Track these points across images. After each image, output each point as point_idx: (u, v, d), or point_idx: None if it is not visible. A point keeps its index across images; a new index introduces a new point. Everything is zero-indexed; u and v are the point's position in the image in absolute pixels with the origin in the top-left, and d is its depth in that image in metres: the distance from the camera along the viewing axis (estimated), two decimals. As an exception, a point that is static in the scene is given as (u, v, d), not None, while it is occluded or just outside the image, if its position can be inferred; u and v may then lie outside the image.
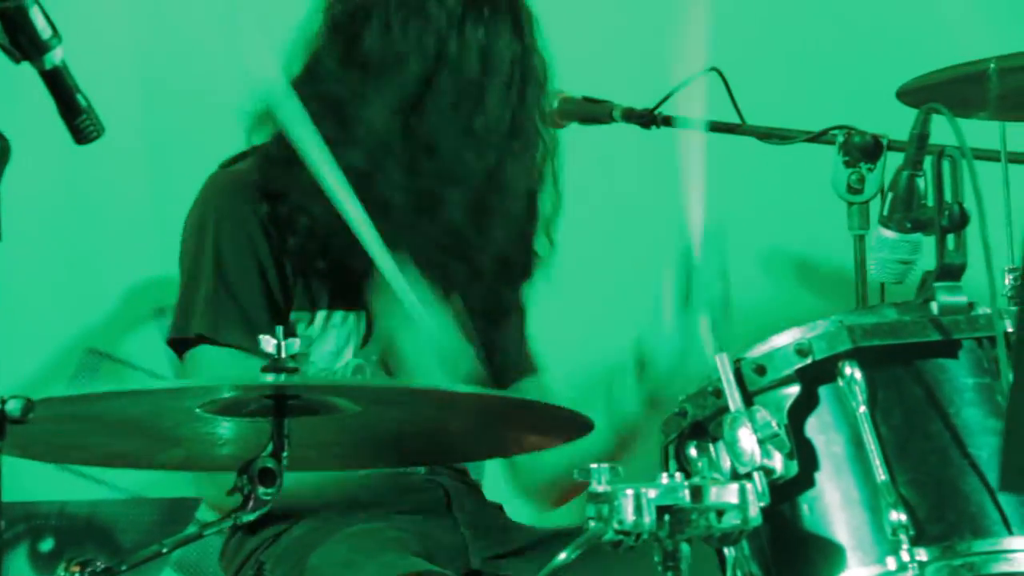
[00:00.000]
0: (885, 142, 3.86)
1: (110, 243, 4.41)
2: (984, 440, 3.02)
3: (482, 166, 3.72)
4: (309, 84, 3.72)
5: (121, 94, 4.59)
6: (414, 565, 3.50)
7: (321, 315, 3.74)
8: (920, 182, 3.20)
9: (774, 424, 2.99)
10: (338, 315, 3.75)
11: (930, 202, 3.15)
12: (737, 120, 4.00)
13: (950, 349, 3.07)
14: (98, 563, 2.78)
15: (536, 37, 3.79)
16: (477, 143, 3.70)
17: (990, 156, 3.72)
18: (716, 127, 3.94)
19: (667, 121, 4.02)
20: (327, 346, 3.75)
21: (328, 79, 3.72)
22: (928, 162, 3.16)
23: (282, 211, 3.69)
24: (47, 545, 4.00)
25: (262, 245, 3.69)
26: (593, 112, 4.02)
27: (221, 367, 3.61)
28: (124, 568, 2.81)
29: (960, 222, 3.11)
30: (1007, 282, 3.61)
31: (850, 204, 3.76)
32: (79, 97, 2.92)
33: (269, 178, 3.71)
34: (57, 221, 4.52)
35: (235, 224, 3.71)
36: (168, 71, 4.81)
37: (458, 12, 3.70)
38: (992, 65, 3.47)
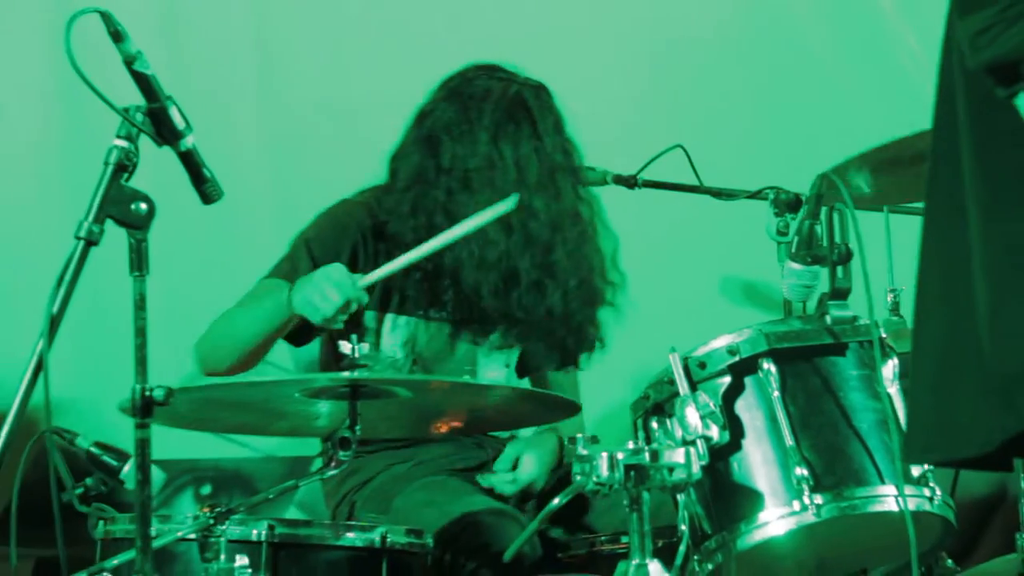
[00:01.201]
0: (803, 198, 3.77)
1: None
2: (864, 416, 3.21)
3: (534, 251, 3.67)
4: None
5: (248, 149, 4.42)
6: (484, 503, 3.55)
7: (389, 317, 3.71)
8: (818, 228, 3.36)
9: (712, 405, 3.18)
10: (402, 319, 3.71)
11: (824, 243, 3.34)
12: (697, 182, 4.03)
13: (840, 350, 3.25)
14: (222, 504, 2.92)
15: (559, 132, 3.74)
16: (524, 233, 3.65)
17: (874, 207, 3.82)
18: (681, 188, 4.08)
19: (647, 184, 4.06)
20: (391, 341, 3.71)
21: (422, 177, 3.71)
22: (824, 213, 3.35)
23: (381, 228, 3.67)
24: (206, 490, 4.09)
25: (349, 245, 3.67)
26: (592, 178, 3.97)
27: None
28: (241, 507, 2.95)
29: (846, 258, 3.30)
30: (889, 299, 3.87)
31: (779, 244, 3.77)
32: (205, 170, 3.05)
33: (380, 204, 3.70)
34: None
35: (335, 224, 3.72)
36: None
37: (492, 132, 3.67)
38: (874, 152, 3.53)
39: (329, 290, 3.37)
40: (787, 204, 3.88)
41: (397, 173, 3.72)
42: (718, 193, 4.04)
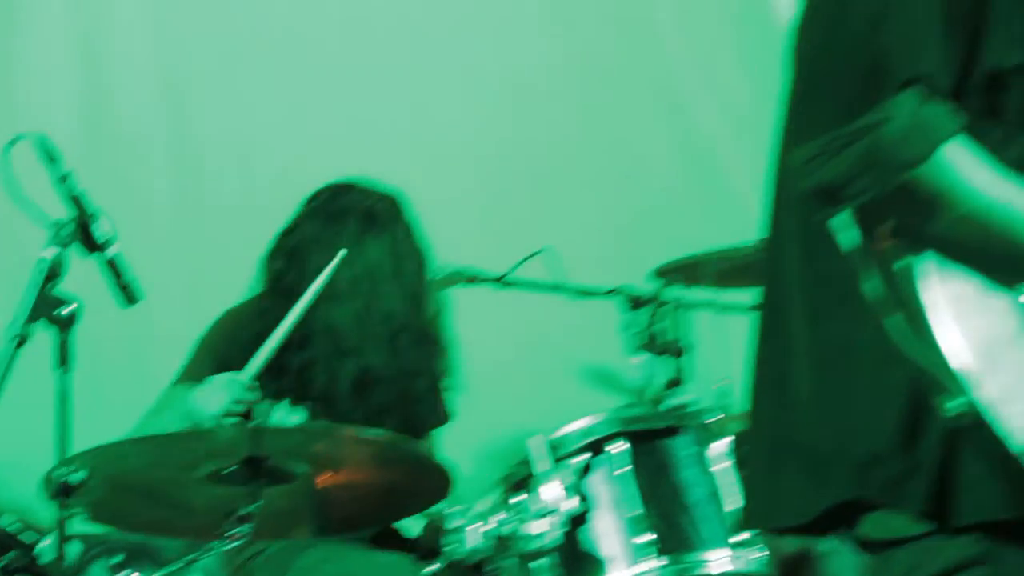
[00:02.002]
0: (650, 297, 3.87)
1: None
2: (698, 490, 3.25)
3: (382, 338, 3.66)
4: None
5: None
6: (386, 556, 3.51)
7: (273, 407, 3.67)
8: (661, 325, 3.47)
9: (571, 478, 3.19)
10: (281, 408, 3.67)
11: (667, 338, 3.45)
12: (559, 281, 4.02)
13: (677, 431, 3.28)
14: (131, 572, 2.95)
15: (411, 241, 3.73)
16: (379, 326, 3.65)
17: (712, 307, 3.85)
18: (545, 286, 4.07)
19: (514, 283, 4.06)
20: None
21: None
22: (667, 311, 3.48)
23: (265, 333, 3.57)
24: (117, 559, 3.79)
25: (240, 351, 3.57)
26: (467, 276, 3.99)
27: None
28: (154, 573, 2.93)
29: (684, 351, 3.42)
30: (720, 388, 3.91)
31: (628, 337, 3.77)
32: (126, 276, 3.13)
33: (260, 311, 3.68)
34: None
35: (226, 333, 3.71)
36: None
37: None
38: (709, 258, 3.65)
39: (218, 395, 3.40)
40: (635, 301, 3.90)
41: (267, 281, 3.75)
42: (578, 291, 4.07)
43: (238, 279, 3.79)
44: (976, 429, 2.15)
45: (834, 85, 2.18)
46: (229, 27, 4.51)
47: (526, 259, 3.98)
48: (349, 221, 3.69)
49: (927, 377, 2.17)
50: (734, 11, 4.82)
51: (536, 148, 4.65)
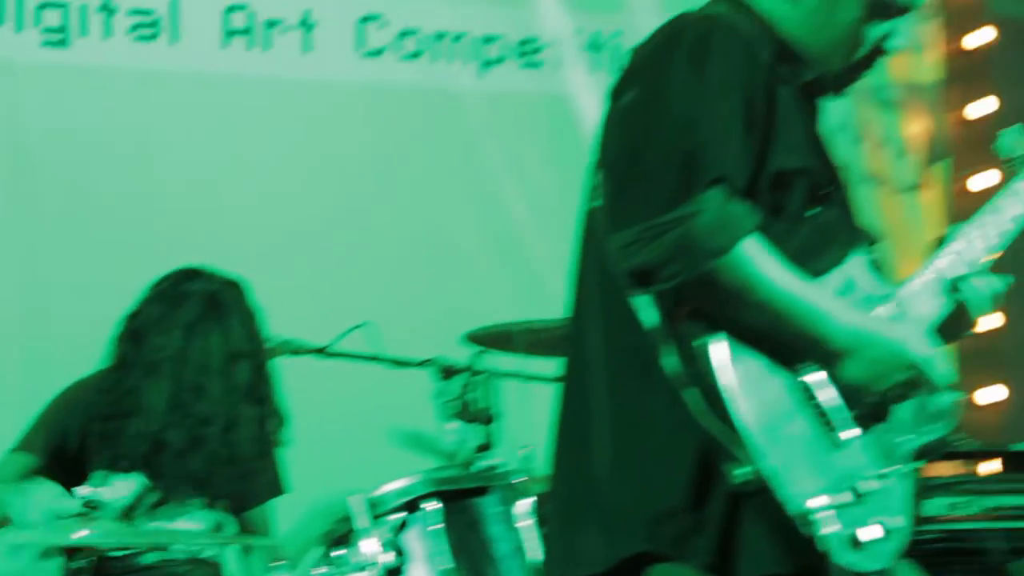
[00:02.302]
0: (460, 367, 3.88)
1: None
2: (503, 544, 3.32)
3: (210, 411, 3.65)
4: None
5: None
6: None
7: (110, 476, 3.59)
8: (472, 394, 3.54)
9: (388, 534, 3.23)
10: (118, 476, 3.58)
11: (477, 406, 3.53)
12: (378, 352, 4.03)
13: (485, 491, 3.36)
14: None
15: (248, 323, 3.74)
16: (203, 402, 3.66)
17: (519, 377, 3.96)
18: (364, 357, 4.08)
19: (336, 354, 4.06)
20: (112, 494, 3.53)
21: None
22: (478, 381, 3.55)
23: (103, 408, 3.65)
24: None
25: (78, 424, 3.62)
26: (290, 348, 3.98)
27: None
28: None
29: (492, 419, 3.51)
30: (522, 453, 3.97)
31: (441, 404, 3.77)
32: None
33: (101, 388, 3.68)
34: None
35: (66, 405, 3.68)
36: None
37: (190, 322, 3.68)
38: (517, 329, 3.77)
39: (33, 511, 3.37)
40: (446, 371, 3.95)
41: (112, 359, 3.74)
42: (394, 362, 4.11)
43: (81, 354, 3.78)
44: (759, 493, 2.28)
45: (648, 180, 2.28)
46: (75, 107, 4.54)
47: (347, 332, 4.03)
48: (191, 305, 3.70)
49: (717, 445, 2.29)
50: (539, 112, 4.98)
51: (358, 229, 4.74)
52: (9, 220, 4.41)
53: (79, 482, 3.46)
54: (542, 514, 3.29)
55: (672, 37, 2.37)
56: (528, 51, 5.01)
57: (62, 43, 4.51)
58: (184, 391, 3.63)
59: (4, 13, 4.46)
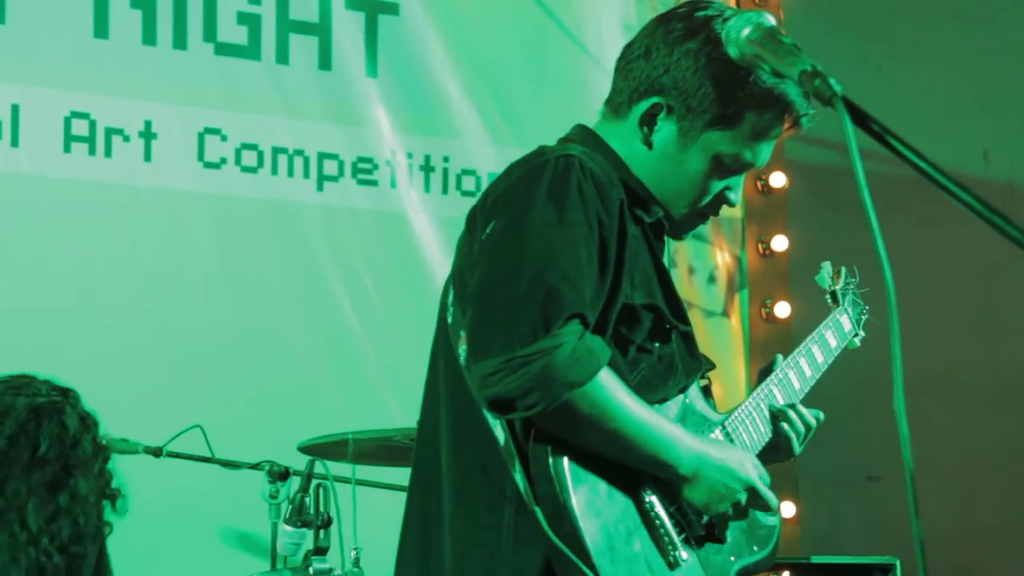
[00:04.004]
0: (292, 471, 3.91)
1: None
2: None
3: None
4: None
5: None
6: None
7: None
8: (307, 499, 3.50)
9: None
10: None
11: (311, 510, 3.45)
12: (210, 454, 3.97)
13: None
14: None
15: (85, 431, 3.51)
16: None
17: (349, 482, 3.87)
18: (197, 458, 4.00)
19: (171, 454, 4.01)
20: None
21: None
22: (312, 487, 3.47)
23: None
24: None
25: None
26: (126, 447, 3.90)
27: None
28: None
29: (327, 523, 3.46)
30: (352, 555, 3.91)
31: (270, 505, 3.82)
32: None
33: None
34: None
35: None
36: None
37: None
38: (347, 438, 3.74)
39: None
40: (278, 475, 3.92)
41: None
42: (225, 463, 4.04)
43: None
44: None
45: (508, 313, 2.28)
46: None
47: (180, 433, 3.96)
48: (14, 416, 3.45)
49: (562, 561, 2.29)
50: (372, 232, 4.97)
51: (197, 337, 4.65)
52: None
53: None
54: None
55: (532, 173, 2.39)
56: (364, 169, 5.02)
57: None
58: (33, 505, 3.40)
59: None
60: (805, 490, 5.25)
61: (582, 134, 2.53)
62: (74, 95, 4.58)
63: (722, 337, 5.34)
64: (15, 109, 4.52)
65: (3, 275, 4.45)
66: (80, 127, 4.61)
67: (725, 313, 5.38)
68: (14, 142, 4.51)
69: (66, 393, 3.57)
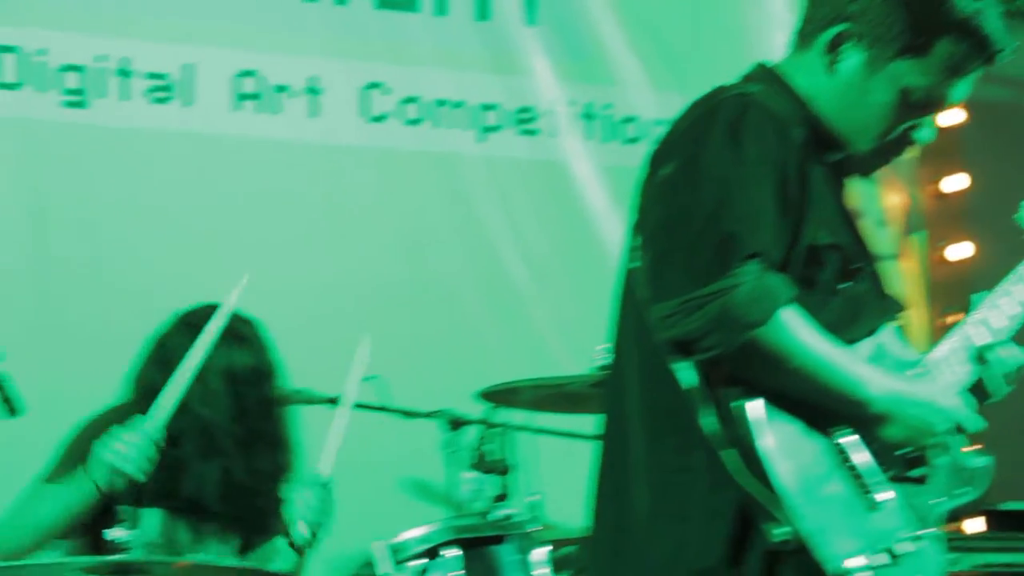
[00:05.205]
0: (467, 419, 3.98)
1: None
2: (520, 590, 3.36)
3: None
4: None
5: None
6: None
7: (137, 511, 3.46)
8: (487, 446, 3.55)
9: None
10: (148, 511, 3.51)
11: (492, 457, 3.53)
12: (386, 403, 4.03)
13: (502, 539, 3.38)
14: None
15: (263, 357, 3.65)
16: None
17: (528, 430, 3.93)
18: (374, 408, 4.03)
19: (333, 401, 3.92)
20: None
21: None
22: (493, 433, 3.53)
23: None
24: None
25: None
26: (304, 397, 3.95)
27: None
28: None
29: (508, 469, 3.50)
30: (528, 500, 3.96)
31: (448, 454, 3.87)
32: (12, 392, 3.11)
33: (121, 420, 3.48)
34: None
35: (86, 438, 3.48)
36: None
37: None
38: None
39: (127, 437, 3.24)
40: (456, 423, 3.98)
41: (134, 390, 3.64)
42: (404, 413, 4.09)
43: (98, 393, 3.71)
44: (796, 553, 2.27)
45: (686, 254, 2.29)
46: (92, 164, 4.52)
47: (359, 383, 3.91)
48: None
49: (755, 505, 2.29)
50: (536, 176, 5.00)
51: (366, 286, 4.74)
52: (27, 273, 4.38)
53: (103, 516, 3.36)
54: (559, 560, 3.31)
55: (709, 114, 2.38)
56: (525, 119, 5.04)
57: (81, 104, 4.50)
58: (223, 419, 3.55)
59: (27, 74, 4.43)
60: (991, 435, 5.13)
61: (761, 72, 2.51)
62: (241, 53, 4.70)
63: (896, 280, 5.26)
64: (188, 69, 4.63)
65: (178, 230, 4.57)
66: (248, 85, 4.72)
67: (897, 256, 5.30)
68: (187, 101, 4.63)
69: (253, 322, 3.67)
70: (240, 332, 3.64)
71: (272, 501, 3.67)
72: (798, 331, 2.29)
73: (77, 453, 3.54)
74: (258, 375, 3.62)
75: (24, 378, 3.24)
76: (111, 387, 3.69)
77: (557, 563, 3.32)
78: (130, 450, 3.24)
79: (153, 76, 4.60)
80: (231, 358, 3.56)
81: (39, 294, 4.38)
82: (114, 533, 3.04)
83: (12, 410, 3.11)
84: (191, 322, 3.64)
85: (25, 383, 3.25)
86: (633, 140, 5.07)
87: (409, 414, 4.06)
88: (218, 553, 3.62)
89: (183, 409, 3.39)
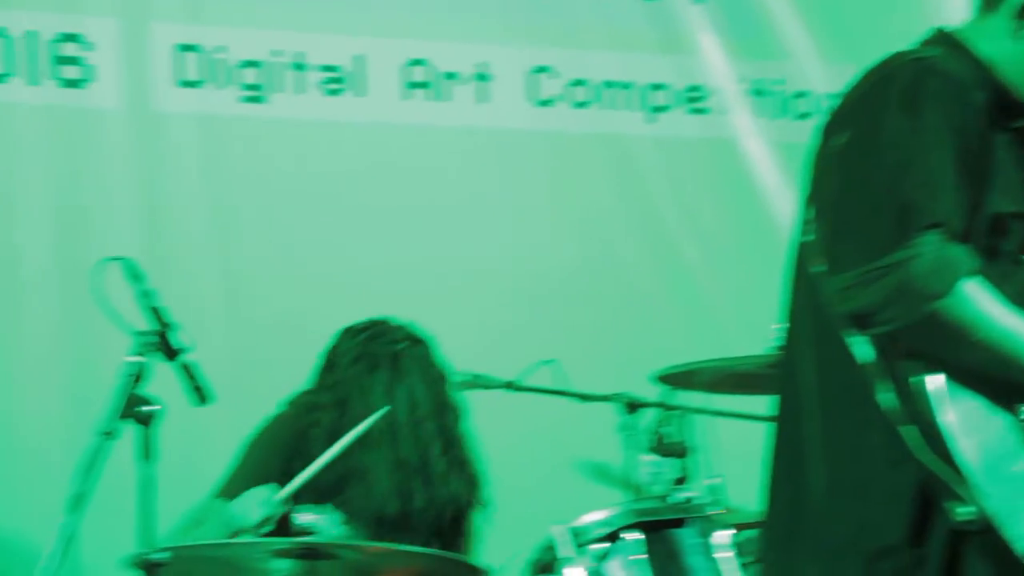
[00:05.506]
0: (642, 402, 3.98)
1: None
2: (704, 574, 3.29)
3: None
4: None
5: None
6: None
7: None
8: (666, 430, 3.49)
9: (590, 564, 3.22)
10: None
11: (671, 440, 3.48)
12: (563, 388, 4.07)
13: (682, 523, 3.34)
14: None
15: (440, 382, 3.66)
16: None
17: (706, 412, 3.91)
18: (551, 392, 4.10)
19: (525, 388, 4.07)
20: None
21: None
22: (669, 417, 3.52)
23: (307, 431, 3.60)
24: None
25: (279, 458, 3.59)
26: (481, 382, 4.02)
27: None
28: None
29: (685, 452, 3.44)
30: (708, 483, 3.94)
31: (626, 437, 3.88)
32: (200, 380, 3.21)
33: (306, 406, 3.65)
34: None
35: (267, 442, 3.65)
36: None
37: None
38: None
39: (253, 510, 3.39)
40: (633, 406, 3.98)
41: (323, 375, 3.71)
42: (580, 396, 4.10)
43: (282, 389, 3.80)
44: (982, 532, 2.22)
45: (863, 225, 2.25)
46: (271, 156, 4.63)
47: (534, 367, 4.05)
48: (381, 366, 3.63)
49: (937, 483, 2.23)
50: (705, 161, 4.99)
51: (541, 273, 4.78)
52: (214, 266, 4.49)
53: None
54: (741, 544, 3.27)
55: (884, 80, 2.32)
56: (695, 98, 5.02)
57: (259, 99, 4.61)
58: (389, 458, 3.56)
59: (207, 72, 4.55)
60: None
61: (940, 37, 2.44)
62: (411, 42, 4.76)
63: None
64: (359, 60, 4.71)
65: (355, 219, 4.65)
66: (418, 73, 4.78)
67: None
68: (359, 92, 4.71)
69: (420, 341, 3.71)
70: (400, 359, 3.64)
71: (459, 524, 3.67)
72: (981, 303, 2.23)
73: (252, 469, 3.62)
74: (417, 411, 3.62)
75: (212, 369, 3.37)
76: (295, 379, 3.78)
77: (739, 547, 3.29)
78: (250, 520, 3.37)
79: (326, 68, 4.69)
80: (412, 391, 3.61)
81: (225, 286, 4.50)
82: (303, 518, 3.09)
83: (202, 398, 3.23)
84: (356, 352, 3.65)
85: (213, 374, 3.37)
86: (804, 115, 5.02)
87: (586, 398, 4.06)
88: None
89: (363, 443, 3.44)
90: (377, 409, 3.47)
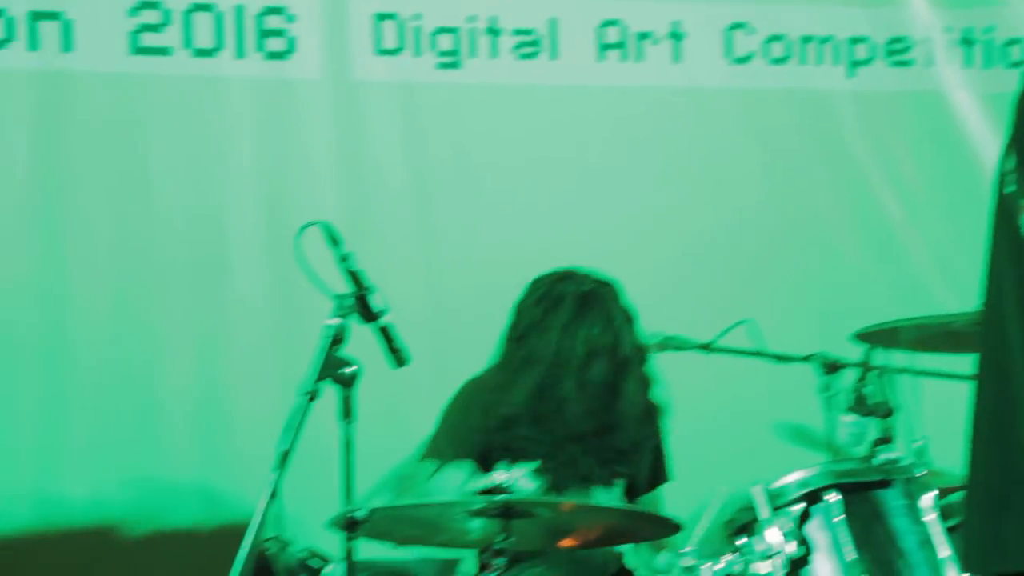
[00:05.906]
0: (842, 362, 3.90)
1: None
2: (910, 538, 3.21)
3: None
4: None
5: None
6: None
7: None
8: (867, 388, 3.43)
9: (789, 525, 3.17)
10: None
11: (873, 400, 3.41)
12: (760, 348, 3.99)
13: (888, 484, 3.25)
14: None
15: (627, 323, 3.72)
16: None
17: (908, 372, 3.79)
18: (748, 352, 4.03)
19: (721, 349, 4.03)
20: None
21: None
22: (871, 376, 3.43)
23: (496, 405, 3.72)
24: None
25: (470, 424, 3.71)
26: (676, 343, 4.01)
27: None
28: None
29: (890, 412, 3.39)
30: (916, 446, 3.79)
31: (825, 398, 3.81)
32: (398, 342, 3.22)
33: (493, 386, 3.73)
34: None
35: (461, 406, 3.75)
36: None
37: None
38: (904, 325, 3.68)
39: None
40: (831, 367, 3.90)
41: (501, 356, 3.78)
42: (777, 357, 4.04)
43: (479, 350, 3.84)
44: None
45: None
46: (468, 121, 4.68)
47: (730, 328, 3.98)
48: (565, 306, 3.70)
49: None
50: (911, 109, 4.89)
51: (738, 232, 4.75)
52: (409, 224, 4.57)
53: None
54: (946, 508, 3.19)
55: None
56: (897, 50, 4.91)
57: (455, 64, 4.64)
58: (548, 388, 3.64)
59: (405, 40, 4.62)
60: None
61: None
62: (604, 3, 4.76)
63: None
64: (552, 23, 4.73)
65: (549, 181, 4.68)
66: (612, 34, 4.76)
67: None
68: (553, 55, 4.73)
69: (607, 284, 3.76)
70: (588, 299, 3.69)
71: (641, 457, 3.70)
72: None
73: (452, 429, 3.71)
74: (594, 346, 3.68)
75: (409, 332, 3.42)
76: (491, 341, 3.82)
77: (943, 511, 3.21)
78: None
79: (520, 32, 4.72)
80: (579, 330, 3.66)
81: (423, 249, 4.57)
82: (498, 476, 3.13)
83: (399, 360, 3.26)
84: (541, 293, 3.74)
85: (410, 337, 3.42)
86: (1018, 63, 4.88)
87: (783, 359, 4.01)
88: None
89: (528, 376, 3.53)
90: (550, 343, 3.53)
